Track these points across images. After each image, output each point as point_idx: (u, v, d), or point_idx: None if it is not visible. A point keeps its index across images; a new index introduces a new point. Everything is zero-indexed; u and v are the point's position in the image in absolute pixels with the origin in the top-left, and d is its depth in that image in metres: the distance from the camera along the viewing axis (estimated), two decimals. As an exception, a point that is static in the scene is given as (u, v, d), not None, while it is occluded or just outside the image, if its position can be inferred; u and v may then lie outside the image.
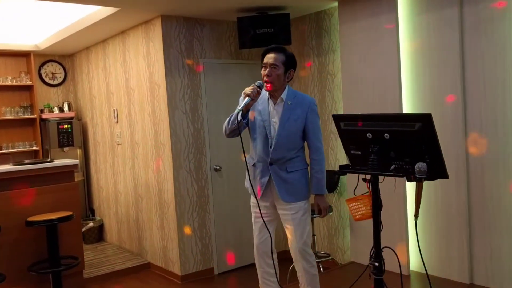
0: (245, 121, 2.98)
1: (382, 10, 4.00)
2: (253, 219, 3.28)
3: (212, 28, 4.79)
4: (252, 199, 3.27)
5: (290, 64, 3.10)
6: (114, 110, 5.53)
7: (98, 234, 6.19)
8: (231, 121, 3.04)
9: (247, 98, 2.91)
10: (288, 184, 3.10)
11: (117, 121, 5.50)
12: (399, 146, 2.46)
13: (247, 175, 3.32)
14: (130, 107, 5.19)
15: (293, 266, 3.26)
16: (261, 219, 3.20)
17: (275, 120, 3.11)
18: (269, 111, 3.12)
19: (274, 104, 3.13)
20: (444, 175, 2.39)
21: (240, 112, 2.94)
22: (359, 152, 2.69)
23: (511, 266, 3.48)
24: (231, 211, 4.95)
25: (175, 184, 4.55)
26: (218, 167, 4.82)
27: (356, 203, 2.56)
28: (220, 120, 4.75)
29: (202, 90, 4.72)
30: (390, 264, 2.82)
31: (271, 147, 3.08)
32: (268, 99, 3.15)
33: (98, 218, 6.27)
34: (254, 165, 3.15)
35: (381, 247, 2.54)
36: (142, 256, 5.27)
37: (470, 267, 3.71)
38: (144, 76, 4.83)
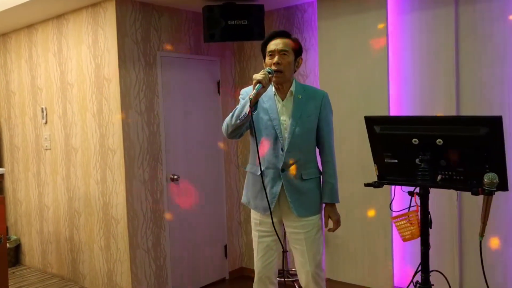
0: (254, 113, 2.47)
1: (370, 7, 3.70)
2: (255, 239, 2.77)
3: (170, 18, 4.18)
4: (255, 215, 2.76)
5: (299, 50, 2.69)
6: (42, 109, 4.65)
7: (14, 257, 5.19)
8: (235, 116, 2.52)
9: (258, 85, 2.41)
10: (302, 196, 2.65)
11: (46, 122, 4.62)
12: (452, 153, 2.13)
13: (246, 188, 2.81)
14: (66, 105, 4.37)
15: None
16: (268, 238, 2.71)
17: (285, 118, 2.66)
18: (277, 108, 2.66)
19: (283, 100, 2.68)
20: (505, 187, 2.09)
21: (248, 103, 2.41)
22: (396, 160, 2.32)
23: (506, 276, 3.33)
24: (188, 227, 4.34)
25: (128, 198, 3.85)
26: (175, 177, 4.20)
27: (404, 221, 2.17)
28: (177, 121, 4.16)
29: (158, 87, 4.08)
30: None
31: (283, 150, 2.61)
32: (274, 94, 2.69)
33: (13, 237, 5.26)
34: (262, 173, 2.64)
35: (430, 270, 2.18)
36: (76, 282, 4.45)
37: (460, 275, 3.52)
38: (88, 69, 4.07)
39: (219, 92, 4.62)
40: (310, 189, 2.66)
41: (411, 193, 2.21)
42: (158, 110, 4.08)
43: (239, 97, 2.74)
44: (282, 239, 2.77)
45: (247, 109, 2.42)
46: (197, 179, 4.42)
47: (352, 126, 3.78)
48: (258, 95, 2.41)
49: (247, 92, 2.71)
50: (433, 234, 2.38)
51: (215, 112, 4.61)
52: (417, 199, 2.19)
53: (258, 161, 2.54)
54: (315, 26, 4.22)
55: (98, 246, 4.16)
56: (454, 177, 2.16)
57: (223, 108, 4.67)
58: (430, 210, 2.21)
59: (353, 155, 3.81)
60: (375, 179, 3.68)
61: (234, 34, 3.88)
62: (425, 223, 2.16)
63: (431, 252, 2.22)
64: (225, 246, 4.70)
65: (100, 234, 4.12)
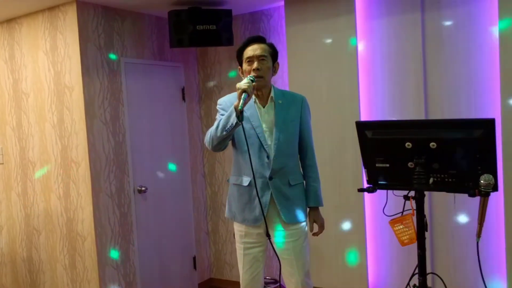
0: (241, 123, 2.39)
1: (339, 12, 3.73)
2: (240, 251, 2.68)
3: (133, 22, 4.02)
4: (240, 227, 2.67)
5: (275, 55, 2.66)
6: (-8, 120, 4.31)
7: (-39, 281, 4.78)
8: (220, 127, 2.43)
9: (244, 94, 2.33)
10: (289, 202, 2.61)
11: (-4, 134, 4.29)
12: (445, 156, 2.15)
13: (229, 201, 2.72)
14: (20, 116, 4.08)
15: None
16: (254, 249, 2.65)
17: (268, 125, 2.60)
18: (258, 115, 2.60)
19: (263, 106, 2.62)
20: (496, 188, 2.15)
21: (233, 113, 2.36)
22: (387, 165, 2.32)
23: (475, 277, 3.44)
24: (157, 240, 4.18)
25: (95, 212, 3.64)
26: (142, 188, 4.03)
27: (401, 225, 2.18)
28: (143, 130, 4.01)
29: (123, 94, 3.91)
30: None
31: (268, 157, 2.55)
32: (254, 102, 2.63)
33: (-41, 260, 4.84)
34: (249, 184, 2.57)
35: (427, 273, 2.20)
36: (36, 305, 4.16)
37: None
38: (46, 76, 3.82)
39: (184, 99, 4.50)
40: (296, 195, 2.63)
41: (406, 197, 2.22)
42: (124, 119, 3.90)
43: (218, 107, 2.67)
44: (267, 250, 2.72)
45: (233, 120, 2.35)
46: (165, 190, 4.27)
47: (323, 132, 3.78)
48: (244, 104, 2.34)
49: (225, 102, 2.64)
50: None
51: (181, 120, 4.48)
52: (412, 203, 2.19)
53: (251, 171, 2.48)
54: (281, 32, 4.20)
55: (61, 265, 3.90)
56: (446, 180, 2.19)
57: (188, 116, 4.55)
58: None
59: (324, 160, 3.80)
60: (349, 184, 3.75)
61: (202, 39, 3.79)
62: (421, 226, 2.17)
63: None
64: (194, 258, 4.57)
65: (63, 252, 3.87)
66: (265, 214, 2.54)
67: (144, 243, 4.05)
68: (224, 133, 2.41)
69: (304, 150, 2.71)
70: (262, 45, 2.57)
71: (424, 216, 2.19)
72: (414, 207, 2.19)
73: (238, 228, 2.69)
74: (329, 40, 3.79)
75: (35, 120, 3.95)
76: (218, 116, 2.62)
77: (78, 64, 3.59)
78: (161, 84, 4.28)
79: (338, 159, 3.78)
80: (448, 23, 3.40)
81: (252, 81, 2.41)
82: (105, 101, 3.76)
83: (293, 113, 2.64)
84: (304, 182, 2.73)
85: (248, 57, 2.54)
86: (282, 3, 4.04)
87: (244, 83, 2.36)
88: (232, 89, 4.47)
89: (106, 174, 3.74)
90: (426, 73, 3.50)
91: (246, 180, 2.59)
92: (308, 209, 2.71)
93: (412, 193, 2.23)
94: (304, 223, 2.66)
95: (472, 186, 2.07)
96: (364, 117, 3.73)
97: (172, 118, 4.38)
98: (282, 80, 4.21)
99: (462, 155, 2.11)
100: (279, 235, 2.60)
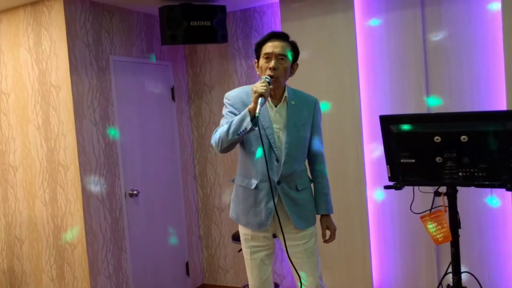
0: (256, 128, 2.25)
1: (336, 9, 3.65)
2: (247, 256, 2.55)
3: (122, 19, 3.83)
4: (245, 230, 2.53)
5: (296, 56, 2.50)
6: (-33, 123, 4.01)
7: None
8: (232, 131, 2.26)
9: (260, 99, 2.19)
10: (299, 207, 2.49)
11: (-28, 138, 4.00)
12: (476, 150, 2.10)
13: (234, 202, 2.58)
14: (0, 118, 3.80)
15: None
16: (261, 253, 2.52)
17: (279, 126, 2.45)
18: (269, 115, 2.45)
19: (275, 106, 2.48)
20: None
21: (247, 117, 2.22)
22: (413, 160, 2.24)
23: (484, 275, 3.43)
24: (149, 246, 3.98)
25: (86, 218, 3.43)
26: (134, 192, 3.83)
27: (434, 223, 2.10)
28: (133, 131, 3.82)
29: (113, 94, 3.71)
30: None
31: (278, 161, 2.41)
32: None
33: None
34: (256, 187, 2.44)
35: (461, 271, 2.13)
36: (19, 320, 3.88)
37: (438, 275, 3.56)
38: (29, 75, 3.58)
39: (173, 98, 4.33)
40: (305, 200, 2.52)
41: (438, 193, 2.15)
42: (113, 120, 3.70)
43: (226, 102, 2.50)
44: (274, 253, 2.61)
45: (247, 124, 2.20)
46: (156, 193, 4.09)
47: (323, 129, 3.68)
48: (260, 109, 2.20)
49: (234, 97, 2.48)
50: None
51: (171, 120, 4.30)
52: (444, 199, 2.13)
53: (258, 173, 2.37)
54: (275, 29, 4.09)
55: (48, 276, 3.65)
56: (476, 174, 2.13)
57: (178, 116, 4.38)
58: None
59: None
60: (350, 180, 3.66)
61: (197, 36, 3.63)
62: (455, 223, 2.10)
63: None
64: (187, 263, 4.39)
65: (50, 262, 3.63)
66: (269, 220, 2.43)
67: (137, 250, 3.85)
68: (236, 137, 2.26)
69: (314, 155, 2.58)
70: (283, 43, 2.41)
71: (457, 212, 2.13)
72: (446, 204, 2.13)
73: (243, 231, 2.56)
74: (327, 37, 3.70)
75: (17, 122, 3.69)
76: (225, 112, 2.47)
77: (65, 61, 3.37)
78: (150, 84, 4.10)
79: (339, 156, 3.69)
80: (448, 17, 3.38)
81: (269, 83, 2.28)
82: (95, 100, 3.55)
83: (305, 116, 2.50)
84: (312, 186, 2.61)
85: (267, 53, 2.38)
86: (277, 0, 3.94)
87: (261, 86, 2.22)
88: (222, 87, 4.35)
89: (97, 177, 3.53)
90: (428, 68, 3.47)
91: (253, 183, 2.45)
92: (319, 216, 2.61)
93: (442, 189, 2.17)
94: (314, 227, 2.55)
95: (508, 179, 2.01)
96: (364, 115, 3.66)
97: (162, 118, 4.20)
98: (276, 78, 4.10)
99: (494, 148, 2.05)
100: (289, 238, 2.47)
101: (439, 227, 2.08)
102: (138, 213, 3.89)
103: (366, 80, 3.67)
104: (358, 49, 3.63)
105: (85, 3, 3.51)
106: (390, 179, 2.34)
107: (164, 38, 3.68)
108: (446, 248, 3.42)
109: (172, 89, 4.32)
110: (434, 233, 2.08)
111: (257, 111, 2.16)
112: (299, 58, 2.54)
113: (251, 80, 4.21)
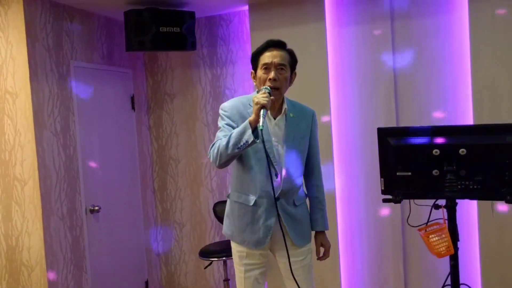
0: (258, 141, 2.17)
1: (308, 19, 3.66)
2: (241, 274, 2.43)
3: (82, 22, 3.58)
4: (240, 248, 2.42)
5: (294, 65, 2.43)
6: None
7: None
8: (232, 144, 2.14)
9: (262, 110, 2.10)
10: (296, 222, 2.42)
11: None
12: (474, 162, 2.15)
13: (228, 219, 2.47)
14: None
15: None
16: (255, 271, 2.42)
17: (277, 140, 2.36)
18: (268, 128, 2.35)
19: (274, 118, 2.39)
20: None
21: (248, 130, 2.12)
22: (409, 173, 2.26)
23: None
24: (109, 265, 3.73)
25: (46, 238, 3.14)
26: (95, 208, 3.57)
27: (436, 236, 2.11)
28: (94, 142, 3.59)
29: (73, 102, 3.45)
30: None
31: (277, 176, 2.33)
32: None
33: None
34: (255, 204, 2.34)
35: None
36: None
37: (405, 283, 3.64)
38: (-21, 80, 3.24)
39: (133, 108, 4.11)
40: (302, 215, 2.45)
41: (437, 206, 2.18)
42: (74, 130, 3.44)
43: (222, 114, 2.37)
44: (266, 271, 2.51)
45: (248, 137, 2.10)
46: (117, 209, 3.85)
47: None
48: (263, 121, 2.11)
49: (231, 109, 2.36)
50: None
51: (130, 130, 4.08)
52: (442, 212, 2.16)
53: (257, 189, 2.29)
54: (242, 38, 4.04)
55: (-2, 303, 3.30)
56: (471, 187, 2.18)
57: (138, 127, 4.17)
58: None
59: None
60: (327, 193, 3.64)
61: (166, 43, 3.48)
62: (454, 236, 2.14)
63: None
64: (146, 282, 4.16)
65: (1, 286, 3.27)
66: (268, 238, 2.34)
67: (97, 270, 3.59)
68: (236, 150, 2.15)
69: (311, 168, 2.51)
70: (282, 53, 2.33)
71: (456, 225, 2.17)
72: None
73: (238, 249, 2.43)
74: (298, 47, 3.67)
75: (-38, 132, 3.32)
76: (221, 124, 2.35)
77: (24, 66, 3.09)
78: (111, 92, 3.87)
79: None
80: (417, 32, 3.49)
81: (270, 94, 2.19)
82: (55, 109, 3.28)
83: (303, 129, 2.44)
84: (308, 201, 2.56)
85: (265, 64, 2.29)
86: (245, 8, 3.88)
87: (262, 97, 2.12)
88: (185, 97, 4.20)
89: (57, 193, 3.25)
90: (397, 81, 3.55)
91: (251, 199, 2.34)
92: (314, 232, 2.56)
93: (439, 202, 2.20)
94: (310, 243, 2.49)
95: (507, 192, 2.08)
96: (335, 126, 3.69)
97: (122, 128, 3.98)
98: (242, 89, 4.04)
99: (492, 161, 2.11)
100: (285, 255, 2.40)
101: (440, 240, 2.10)
102: (98, 231, 3.63)
103: (336, 92, 3.70)
104: (329, 60, 3.66)
105: (45, 3, 3.25)
106: (383, 192, 2.34)
107: (130, 43, 3.49)
108: (414, 257, 3.54)
109: (132, 98, 4.10)
110: (437, 246, 2.09)
111: (261, 123, 2.07)
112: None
113: (216, 90, 4.11)
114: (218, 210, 3.96)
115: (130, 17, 3.45)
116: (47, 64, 3.23)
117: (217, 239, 4.13)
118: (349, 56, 3.66)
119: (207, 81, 4.15)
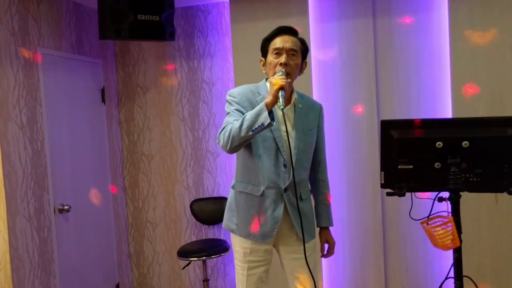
0: (273, 123, 2.04)
1: (291, 13, 3.55)
2: (243, 271, 2.29)
3: (50, 6, 3.32)
4: (244, 243, 2.28)
5: (305, 53, 2.32)
6: None
7: None
8: (245, 126, 2.02)
9: (281, 91, 2.01)
10: (304, 218, 2.29)
11: None
12: (475, 155, 2.10)
13: (231, 211, 2.32)
14: None
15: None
16: (259, 268, 2.30)
17: (287, 129, 2.22)
18: (276, 117, 2.21)
19: (284, 107, 2.27)
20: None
21: (264, 112, 2.01)
22: (411, 166, 2.19)
23: (427, 279, 3.53)
24: (79, 268, 3.48)
25: (11, 240, 2.87)
26: (65, 207, 3.32)
27: (442, 229, 2.04)
28: (62, 136, 3.35)
29: (41, 93, 3.19)
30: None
31: (285, 166, 2.21)
32: None
33: None
34: (262, 194, 2.20)
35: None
36: None
37: (385, 281, 3.60)
38: None
39: (104, 101, 3.87)
40: (308, 209, 2.34)
41: (441, 199, 2.11)
42: (42, 123, 3.18)
43: (230, 99, 2.24)
44: (268, 268, 2.38)
45: (264, 119, 1.99)
46: (87, 208, 3.60)
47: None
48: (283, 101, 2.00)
49: (240, 94, 2.24)
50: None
51: (100, 124, 3.84)
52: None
53: (264, 179, 2.17)
54: (221, 29, 3.88)
55: (-45, 312, 2.99)
56: (471, 179, 2.14)
57: (108, 120, 3.93)
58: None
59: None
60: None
61: (144, 32, 3.28)
62: (458, 229, 2.08)
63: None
64: (117, 285, 3.93)
65: (-41, 295, 2.98)
66: (275, 231, 2.21)
67: (66, 274, 3.33)
68: (250, 133, 2.02)
69: (317, 162, 2.41)
70: (294, 38, 2.23)
71: (460, 218, 2.11)
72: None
73: (242, 245, 2.28)
74: (280, 40, 3.58)
75: None
76: (229, 109, 2.22)
77: (-13, 51, 2.82)
78: (80, 83, 3.61)
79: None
80: (398, 28, 3.45)
81: (286, 76, 2.09)
82: (21, 99, 3.01)
83: (311, 121, 2.34)
84: (312, 196, 2.45)
85: (276, 48, 2.18)
86: (225, -1, 3.74)
87: (280, 78, 2.03)
88: (158, 90, 4.00)
89: (24, 191, 2.99)
90: (378, 77, 3.51)
91: (259, 189, 2.22)
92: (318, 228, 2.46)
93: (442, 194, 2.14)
94: (315, 238, 2.39)
95: (509, 184, 2.04)
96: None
97: (92, 123, 3.73)
98: (221, 82, 3.88)
99: (493, 154, 2.08)
100: (291, 250, 2.28)
101: (447, 232, 2.04)
102: (67, 231, 3.38)
103: (318, 85, 3.62)
104: (312, 55, 3.56)
105: (10, -17, 2.98)
106: (383, 186, 2.26)
107: (104, 31, 3.26)
108: (393, 253, 3.49)
109: (103, 90, 3.86)
110: (443, 240, 2.03)
111: (281, 103, 1.96)
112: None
113: (193, 82, 3.93)
114: (196, 209, 3.79)
115: (105, 3, 3.22)
116: (12, 49, 2.96)
117: (193, 239, 3.95)
118: (331, 51, 3.58)
119: (183, 73, 3.96)
